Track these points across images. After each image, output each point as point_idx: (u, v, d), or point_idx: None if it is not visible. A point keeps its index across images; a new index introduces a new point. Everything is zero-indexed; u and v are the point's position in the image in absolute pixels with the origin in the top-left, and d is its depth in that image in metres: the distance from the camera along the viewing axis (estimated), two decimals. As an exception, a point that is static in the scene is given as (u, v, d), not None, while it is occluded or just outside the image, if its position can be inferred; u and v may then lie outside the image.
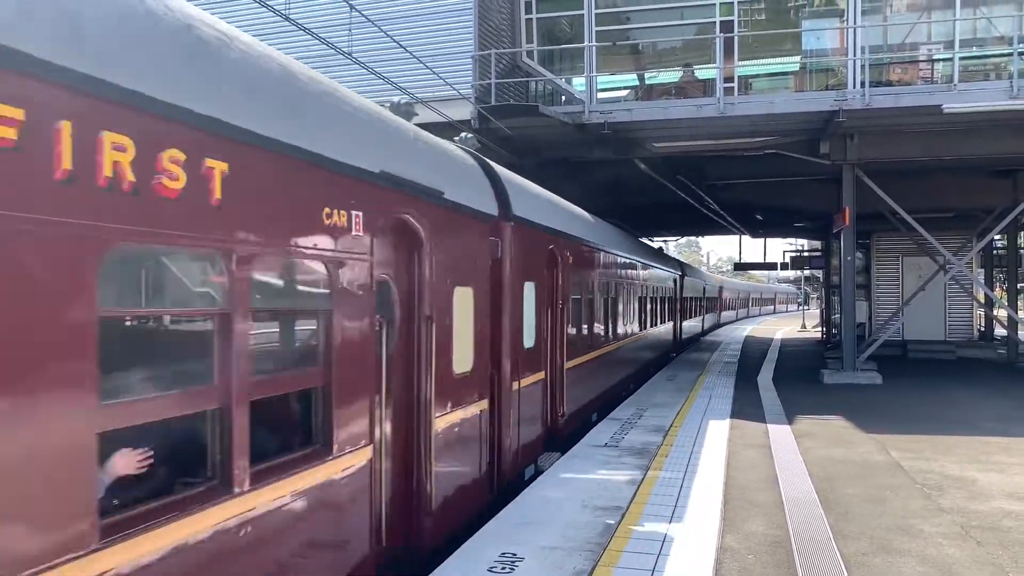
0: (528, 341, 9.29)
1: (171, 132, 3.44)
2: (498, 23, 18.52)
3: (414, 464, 6.36)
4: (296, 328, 5.21)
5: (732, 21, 18.20)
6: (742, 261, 46.48)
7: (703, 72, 19.20)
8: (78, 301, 2.97)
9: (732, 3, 18.15)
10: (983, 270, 27.58)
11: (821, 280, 39.81)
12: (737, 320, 59.35)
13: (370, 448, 5.25)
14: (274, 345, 5.04)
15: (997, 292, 29.76)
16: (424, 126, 15.01)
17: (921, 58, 18.77)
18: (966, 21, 17.91)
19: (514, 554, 6.14)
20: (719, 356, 25.34)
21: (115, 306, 3.50)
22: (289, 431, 4.88)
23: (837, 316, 28.22)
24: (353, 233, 5.01)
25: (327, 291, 4.82)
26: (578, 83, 19.48)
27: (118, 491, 3.46)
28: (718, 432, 11.59)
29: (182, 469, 3.92)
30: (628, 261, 17.31)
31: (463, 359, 7.17)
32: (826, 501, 7.97)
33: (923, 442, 11.16)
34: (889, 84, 17.80)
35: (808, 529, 7.05)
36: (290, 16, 8.70)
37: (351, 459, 5.01)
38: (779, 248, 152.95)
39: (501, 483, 8.40)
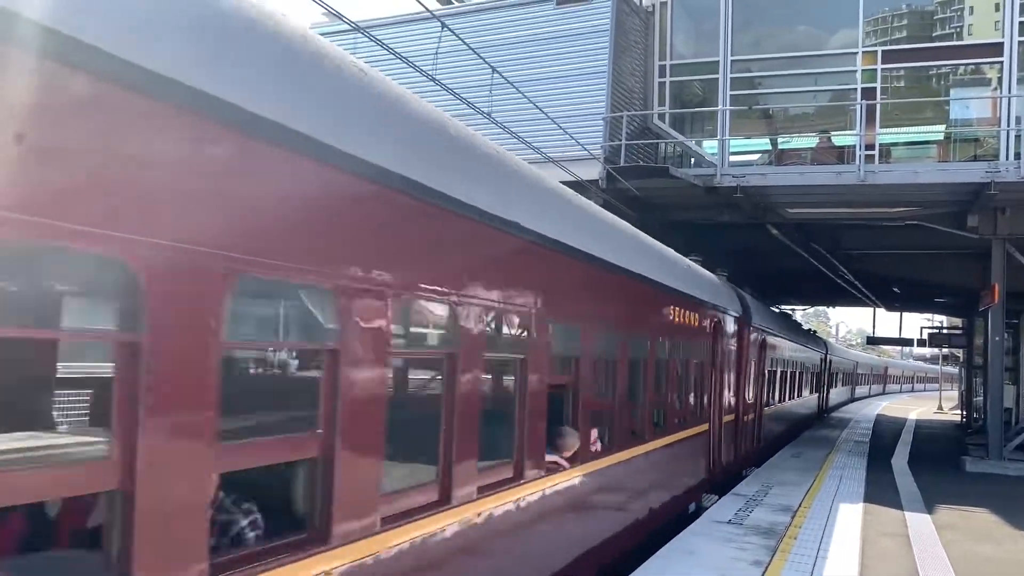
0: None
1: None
2: (631, 86, 18.66)
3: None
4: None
5: (874, 88, 17.70)
6: (875, 335, 44.02)
7: (840, 139, 18.67)
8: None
9: (875, 70, 17.66)
10: None
11: (961, 360, 37.47)
12: (901, 392, 76.71)
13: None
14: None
15: None
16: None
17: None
18: None
19: (635, 631, 5.88)
20: (848, 434, 24.07)
21: None
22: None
23: (979, 399, 26.39)
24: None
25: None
26: (708, 146, 19.31)
27: None
28: (850, 516, 10.91)
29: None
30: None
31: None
32: (976, 604, 7.32)
33: (1085, 546, 10.15)
34: (1043, 156, 16.78)
35: (957, 634, 6.47)
36: (436, 77, 9.03)
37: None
38: (915, 323, 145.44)
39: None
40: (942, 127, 18.91)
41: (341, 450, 3.58)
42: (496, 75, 11.25)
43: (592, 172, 16.61)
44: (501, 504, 5.28)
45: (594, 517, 7.44)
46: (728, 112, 18.14)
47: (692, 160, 19.72)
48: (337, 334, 3.57)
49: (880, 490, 13.45)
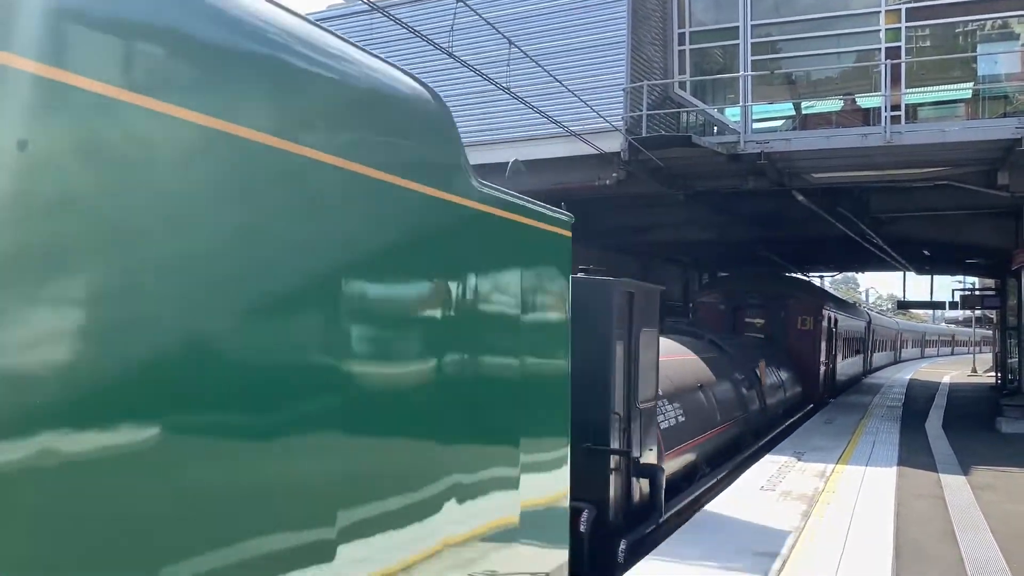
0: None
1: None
2: (650, 55, 18.46)
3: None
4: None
5: (899, 47, 17.38)
6: (906, 299, 43.53)
7: (866, 101, 18.37)
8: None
9: (899, 28, 17.33)
10: None
11: (995, 321, 36.94)
12: (969, 353, 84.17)
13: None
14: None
15: None
16: (576, 158, 15.03)
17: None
18: None
19: (671, 595, 5.94)
20: (881, 400, 23.90)
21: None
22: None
23: (1014, 360, 26.05)
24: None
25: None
26: (731, 113, 19.09)
27: None
28: (885, 479, 10.87)
29: None
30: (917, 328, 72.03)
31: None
32: (1014, 562, 7.28)
33: (1125, 502, 10.04)
34: (1076, 110, 16.42)
35: (995, 591, 6.45)
36: (453, 52, 9.01)
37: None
38: (946, 286, 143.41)
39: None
40: (970, 85, 18.55)
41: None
42: (514, 48, 11.21)
43: (614, 144, 16.50)
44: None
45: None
46: (749, 78, 17.91)
47: (715, 128, 19.52)
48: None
49: (914, 453, 13.37)
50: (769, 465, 11.69)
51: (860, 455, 12.90)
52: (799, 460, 12.17)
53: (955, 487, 10.64)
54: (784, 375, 17.98)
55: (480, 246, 4.10)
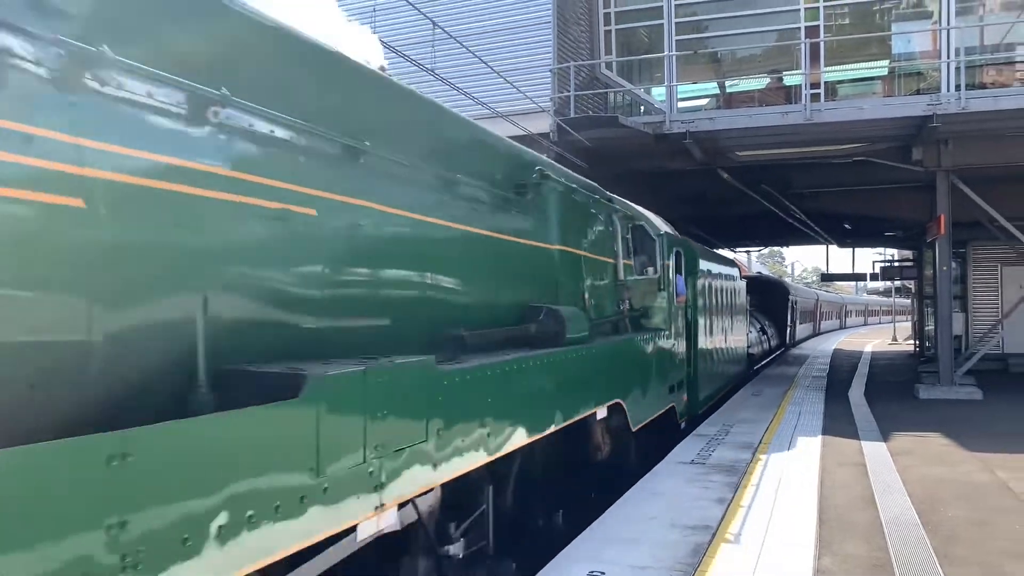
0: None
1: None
2: (576, 36, 18.49)
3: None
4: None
5: (817, 26, 17.78)
6: (829, 272, 44.89)
7: (789, 79, 18.77)
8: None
9: (818, 8, 17.72)
10: (1091, 280, 26.03)
11: (913, 291, 38.31)
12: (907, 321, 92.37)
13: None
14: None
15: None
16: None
17: (1020, 59, 17.94)
18: (1070, 18, 17.03)
19: (603, 572, 6.02)
20: (807, 371, 24.60)
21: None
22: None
23: (931, 329, 27.09)
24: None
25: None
26: (657, 93, 19.28)
27: None
28: (810, 449, 11.21)
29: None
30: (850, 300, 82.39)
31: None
32: (929, 523, 7.59)
33: (1032, 462, 10.57)
34: (983, 87, 17.06)
35: (911, 552, 6.71)
36: (375, 33, 8.84)
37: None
38: (867, 258, 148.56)
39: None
40: (886, 62, 19.11)
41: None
42: (438, 29, 11.08)
43: (542, 125, 16.52)
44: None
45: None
46: (675, 58, 18.10)
47: (642, 108, 19.71)
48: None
49: (838, 422, 13.81)
50: (698, 440, 11.93)
51: (786, 426, 13.26)
52: (727, 434, 12.45)
53: (875, 454, 11.03)
54: (772, 331, 30.50)
55: (737, 285, 18.73)
